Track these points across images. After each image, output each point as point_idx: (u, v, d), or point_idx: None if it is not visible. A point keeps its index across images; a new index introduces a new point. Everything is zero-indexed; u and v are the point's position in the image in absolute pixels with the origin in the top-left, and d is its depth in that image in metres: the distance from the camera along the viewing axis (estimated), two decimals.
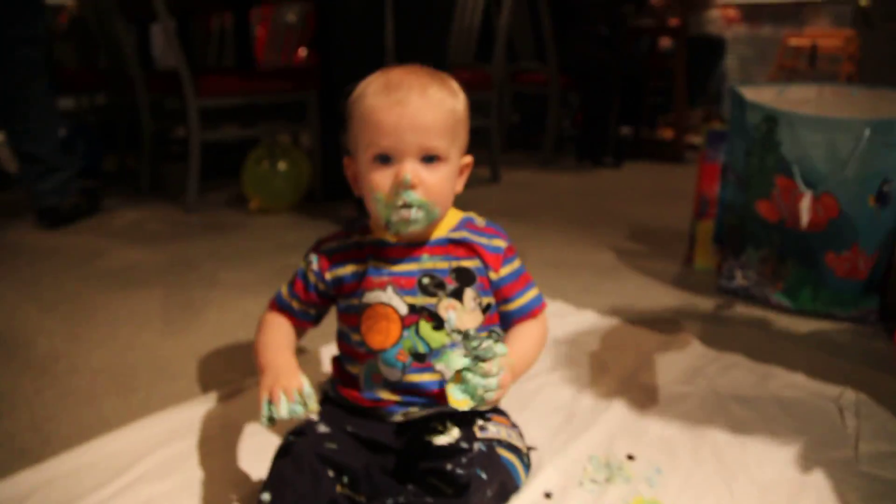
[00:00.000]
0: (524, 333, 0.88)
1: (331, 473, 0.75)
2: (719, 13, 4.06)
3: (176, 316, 1.47)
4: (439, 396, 0.82)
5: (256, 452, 0.93)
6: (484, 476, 0.72)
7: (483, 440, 0.78)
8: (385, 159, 0.79)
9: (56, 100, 2.76)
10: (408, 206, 0.78)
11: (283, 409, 0.75)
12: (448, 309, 0.83)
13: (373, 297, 0.84)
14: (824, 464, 0.92)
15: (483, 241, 0.86)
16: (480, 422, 0.82)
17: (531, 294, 0.89)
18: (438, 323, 0.83)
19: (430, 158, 0.79)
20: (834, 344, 1.34)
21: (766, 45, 5.56)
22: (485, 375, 0.73)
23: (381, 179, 0.79)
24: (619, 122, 3.67)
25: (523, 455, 0.82)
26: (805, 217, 1.41)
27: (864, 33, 4.53)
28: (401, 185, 0.77)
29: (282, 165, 2.39)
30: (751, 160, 1.51)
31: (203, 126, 2.41)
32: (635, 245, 2.05)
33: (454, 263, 0.84)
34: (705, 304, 1.56)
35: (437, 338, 0.83)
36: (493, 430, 0.81)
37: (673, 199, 2.76)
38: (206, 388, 1.14)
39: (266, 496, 0.72)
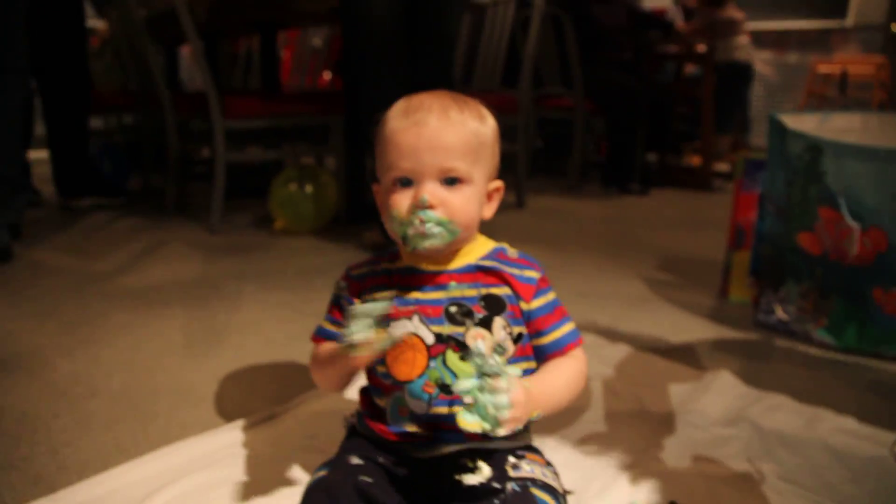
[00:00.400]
0: (553, 366, 0.83)
1: None
2: (747, 39, 4.02)
3: (198, 339, 1.44)
4: (468, 432, 0.78)
5: (283, 487, 0.89)
6: None
7: (516, 479, 0.73)
8: (406, 182, 0.77)
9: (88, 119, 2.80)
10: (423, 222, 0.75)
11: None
12: (476, 338, 0.78)
13: (399, 326, 0.80)
14: None
15: (514, 271, 0.82)
16: (513, 460, 0.77)
17: (566, 328, 0.84)
18: (466, 353, 0.78)
19: (451, 181, 0.76)
20: (885, 385, 1.27)
21: (792, 73, 5.51)
22: (493, 392, 0.68)
23: (400, 200, 0.77)
24: (645, 149, 3.63)
25: (560, 496, 0.76)
26: (852, 250, 1.35)
27: (895, 59, 4.48)
28: (418, 206, 0.75)
29: (309, 188, 2.38)
30: (792, 191, 1.46)
31: (228, 147, 2.41)
32: (666, 275, 1.99)
33: (483, 291, 0.80)
34: (743, 339, 1.50)
35: (464, 368, 0.78)
36: (527, 468, 0.76)
37: (702, 227, 2.71)
38: (228, 416, 1.10)
39: None
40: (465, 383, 0.70)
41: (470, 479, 0.73)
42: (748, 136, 4.91)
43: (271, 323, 1.53)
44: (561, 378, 0.81)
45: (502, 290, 0.81)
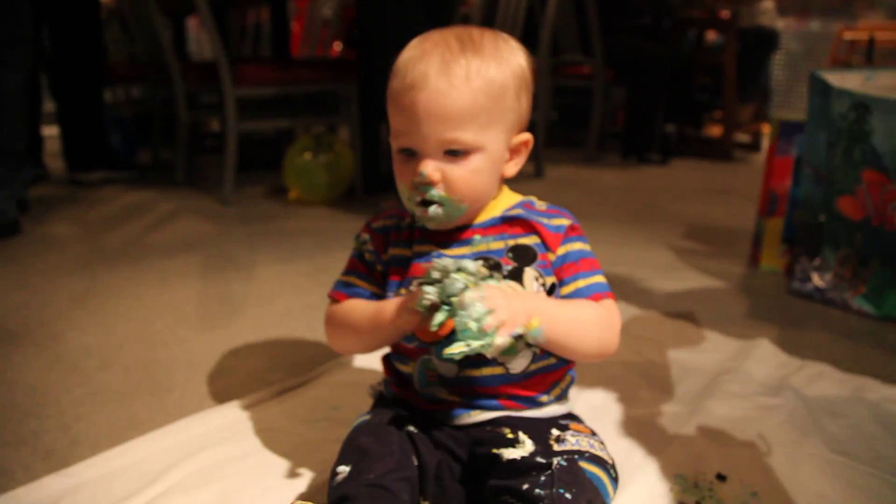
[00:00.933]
0: (573, 301, 0.74)
1: (415, 461, 0.68)
2: (772, 4, 3.88)
3: (213, 311, 1.39)
4: (503, 396, 0.73)
5: (307, 459, 0.85)
6: (569, 496, 0.61)
7: (562, 453, 0.67)
8: (410, 153, 0.71)
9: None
10: (426, 203, 0.70)
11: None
12: None
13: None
14: None
15: (543, 220, 0.75)
16: (556, 432, 0.71)
17: (593, 279, 0.75)
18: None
19: (454, 152, 0.69)
20: None
21: (814, 41, 5.35)
22: (465, 306, 0.62)
23: (404, 173, 0.71)
24: (664, 120, 3.53)
25: (610, 467, 0.70)
26: None
27: None
28: (418, 182, 0.69)
29: (324, 157, 2.32)
30: (834, 153, 1.38)
31: (239, 118, 2.34)
32: (693, 244, 1.93)
33: (510, 242, 0.74)
34: (778, 307, 1.44)
35: None
36: (573, 440, 0.70)
37: (726, 196, 2.63)
38: (246, 388, 1.06)
39: (343, 468, 0.66)
40: (437, 316, 0.64)
41: (510, 453, 0.67)
42: (768, 107, 4.78)
43: (289, 293, 1.48)
44: (574, 307, 0.72)
45: (531, 240, 0.74)
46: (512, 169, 0.75)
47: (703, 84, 3.95)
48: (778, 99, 5.15)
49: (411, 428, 0.71)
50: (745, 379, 1.08)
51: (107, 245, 1.90)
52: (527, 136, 0.76)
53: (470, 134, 0.68)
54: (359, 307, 0.77)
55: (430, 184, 0.68)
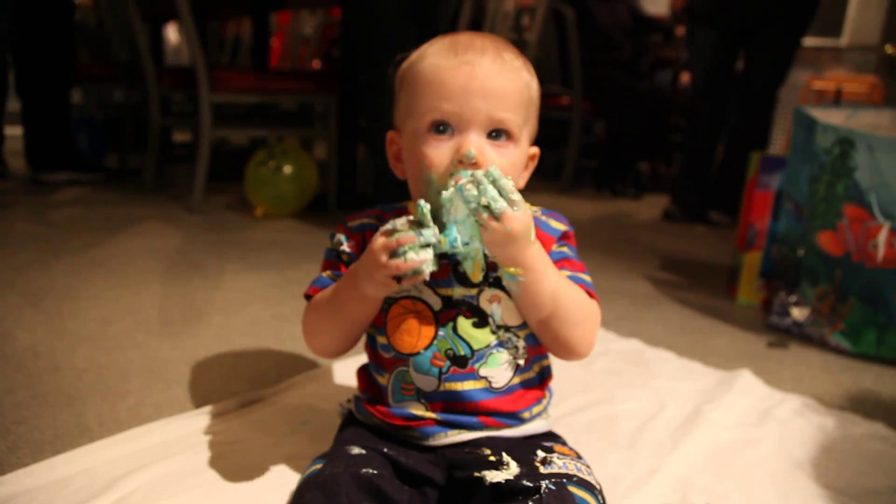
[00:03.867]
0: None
1: None
2: None
3: (176, 317, 1.32)
4: (483, 412, 0.69)
5: (270, 475, 0.78)
6: None
7: (550, 476, 0.63)
8: (444, 129, 0.65)
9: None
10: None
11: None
12: (491, 301, 0.69)
13: (400, 289, 0.69)
14: None
15: (539, 221, 0.73)
16: (542, 454, 0.67)
17: (579, 275, 0.72)
18: (481, 319, 0.69)
19: (498, 134, 0.66)
20: None
21: (781, 90, 5.50)
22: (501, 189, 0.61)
23: (437, 154, 0.65)
24: (638, 156, 3.57)
25: (598, 493, 0.66)
26: (880, 251, 1.28)
27: (888, 80, 4.50)
28: (461, 162, 0.63)
29: (286, 169, 2.23)
30: (816, 187, 1.39)
31: (213, 125, 2.27)
32: (670, 276, 1.92)
33: None
34: (756, 340, 1.42)
35: (479, 337, 0.68)
36: (560, 462, 0.66)
37: (701, 232, 2.64)
38: (208, 398, 0.99)
39: None
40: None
41: (494, 476, 0.63)
42: None
43: (256, 303, 1.41)
44: (572, 285, 0.70)
45: None
46: (521, 181, 0.73)
47: (676, 125, 4.02)
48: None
49: (370, 470, 0.63)
50: (727, 408, 1.05)
51: (66, 246, 1.80)
52: (535, 149, 0.74)
53: (516, 118, 0.66)
54: (329, 288, 0.72)
55: (473, 165, 0.63)
